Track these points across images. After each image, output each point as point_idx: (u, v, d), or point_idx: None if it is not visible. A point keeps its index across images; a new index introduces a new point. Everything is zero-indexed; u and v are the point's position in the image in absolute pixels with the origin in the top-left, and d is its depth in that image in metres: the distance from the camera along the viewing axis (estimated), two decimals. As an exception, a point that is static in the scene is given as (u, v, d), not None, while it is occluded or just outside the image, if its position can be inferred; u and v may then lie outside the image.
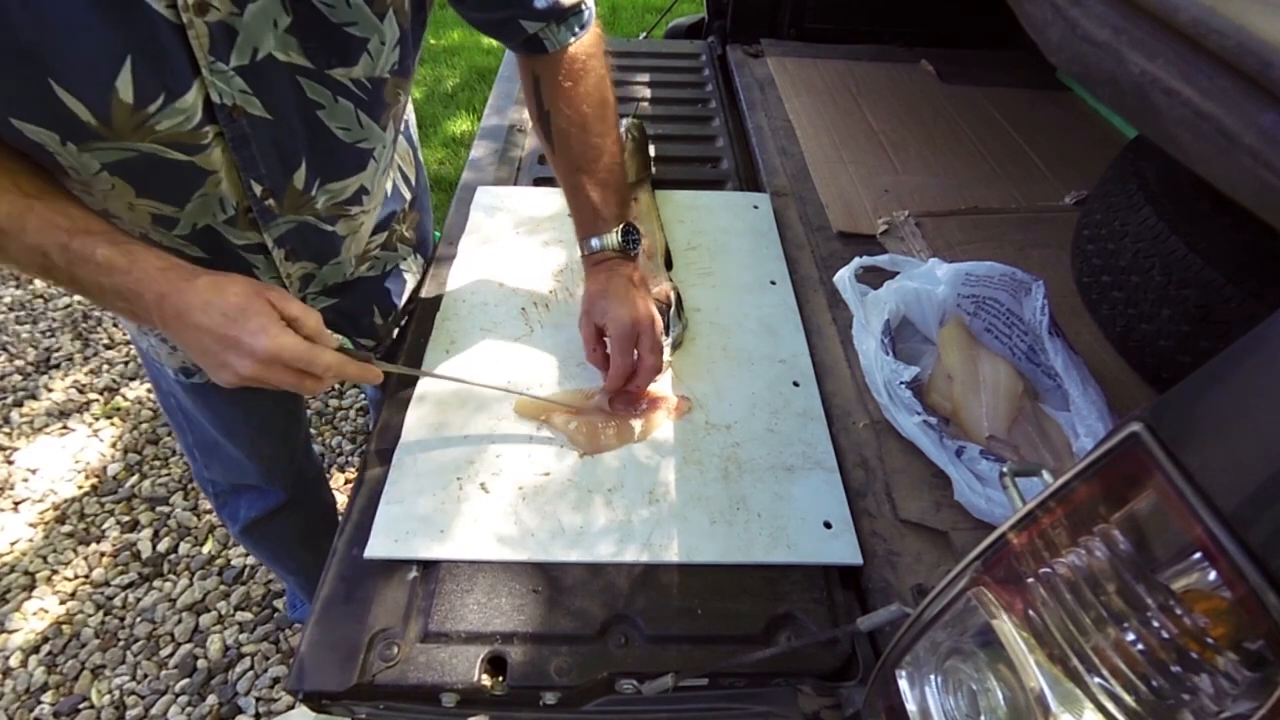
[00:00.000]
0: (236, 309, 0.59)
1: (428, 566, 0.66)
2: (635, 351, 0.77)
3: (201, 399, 0.93)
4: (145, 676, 1.43)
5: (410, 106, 0.98)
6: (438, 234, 1.06)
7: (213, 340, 0.59)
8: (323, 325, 0.64)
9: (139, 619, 1.51)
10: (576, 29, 0.77)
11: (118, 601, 1.54)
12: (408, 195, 0.93)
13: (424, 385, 0.80)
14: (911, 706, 0.46)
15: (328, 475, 1.50)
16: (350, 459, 1.83)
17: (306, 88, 0.64)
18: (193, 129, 0.59)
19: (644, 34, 1.87)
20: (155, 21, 0.52)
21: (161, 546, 1.63)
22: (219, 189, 0.65)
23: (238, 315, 0.59)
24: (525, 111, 1.32)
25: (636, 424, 0.76)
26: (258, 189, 0.67)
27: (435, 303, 0.90)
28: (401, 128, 0.83)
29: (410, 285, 0.97)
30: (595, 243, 0.82)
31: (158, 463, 1.81)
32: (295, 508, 1.14)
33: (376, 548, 0.65)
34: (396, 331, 0.98)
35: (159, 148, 0.59)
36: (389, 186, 0.87)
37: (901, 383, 0.74)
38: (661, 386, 0.81)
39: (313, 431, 1.88)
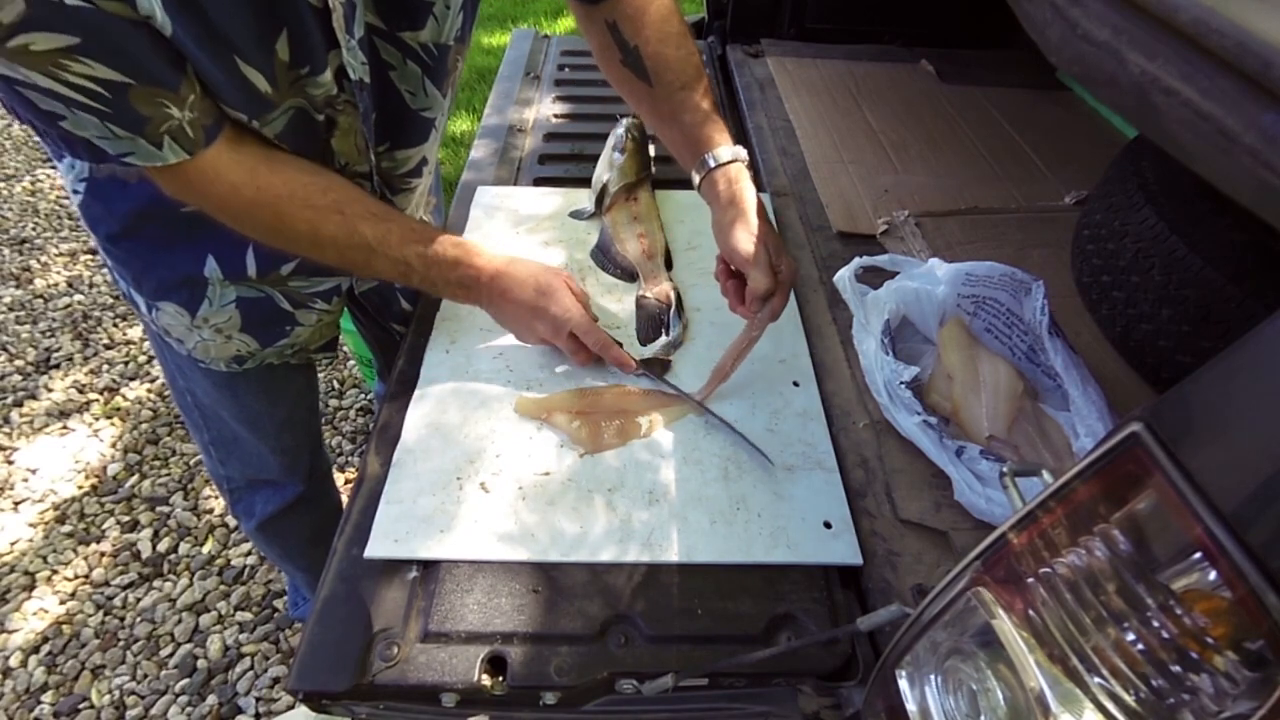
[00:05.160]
0: (546, 286, 0.77)
1: (428, 566, 0.66)
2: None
3: (231, 392, 0.95)
4: (145, 676, 1.43)
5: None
6: None
7: (526, 310, 0.77)
8: (589, 304, 0.83)
9: (139, 619, 1.51)
10: None
11: (118, 601, 1.54)
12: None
13: (425, 384, 0.80)
14: (911, 706, 0.46)
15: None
16: (350, 459, 1.83)
17: (380, 48, 0.69)
18: (331, 97, 0.67)
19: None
20: (300, 4, 0.58)
21: (161, 546, 1.63)
22: (334, 144, 0.73)
23: (547, 291, 0.77)
24: (525, 111, 1.33)
25: (640, 421, 0.76)
26: (373, 156, 0.75)
27: (435, 303, 0.90)
28: (455, 95, 0.84)
29: None
30: (725, 152, 0.78)
31: (158, 463, 1.81)
32: (309, 503, 1.15)
33: (376, 548, 0.65)
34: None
35: (308, 105, 0.66)
36: (438, 149, 0.88)
37: (901, 383, 0.74)
38: (662, 384, 0.81)
39: (313, 431, 1.88)
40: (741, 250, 0.74)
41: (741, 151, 0.79)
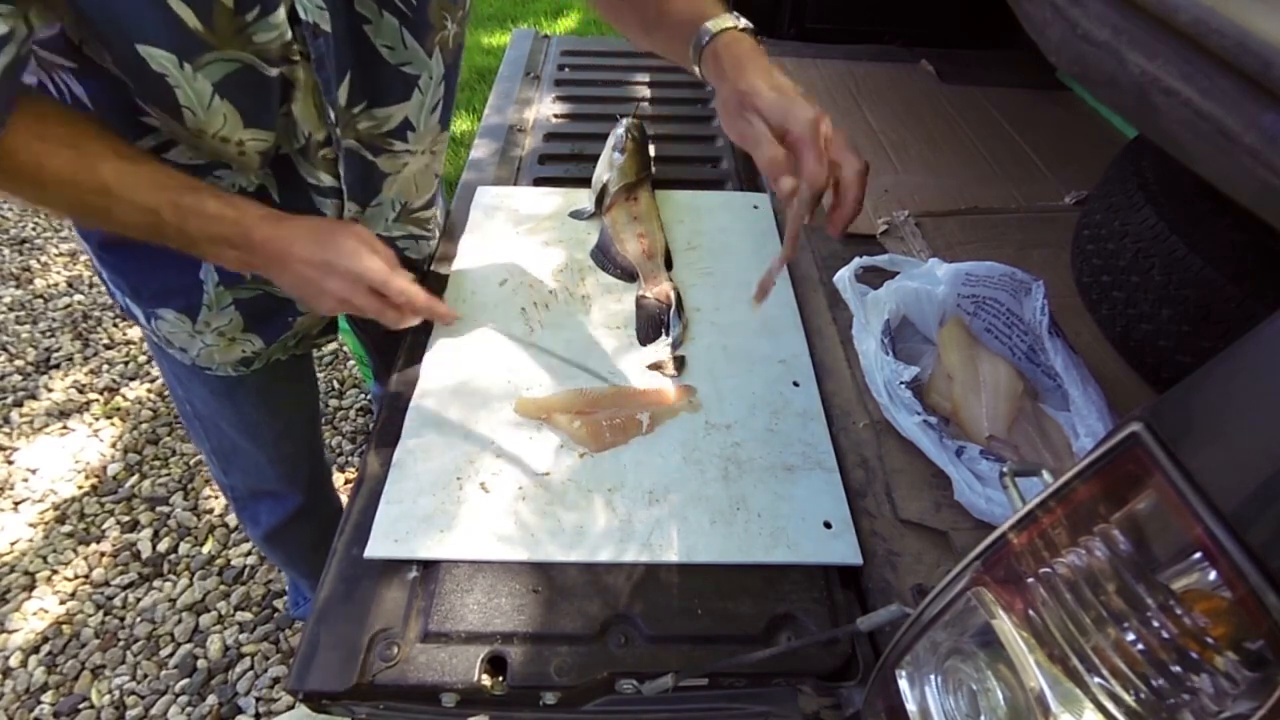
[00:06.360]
0: (329, 237, 0.70)
1: (428, 566, 0.66)
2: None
3: (230, 401, 0.94)
4: (145, 676, 1.43)
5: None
6: None
7: (310, 268, 0.69)
8: (397, 261, 0.74)
9: (139, 619, 1.51)
10: None
11: (118, 601, 1.54)
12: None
13: (425, 384, 0.80)
14: (911, 706, 0.46)
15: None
16: (350, 459, 1.83)
17: (355, 1, 0.64)
18: (283, 45, 0.61)
19: (644, 34, 1.86)
20: None
21: (161, 546, 1.63)
22: (295, 110, 0.67)
23: (330, 242, 0.70)
24: (525, 111, 1.33)
25: (640, 419, 0.76)
26: (332, 114, 0.69)
27: (435, 303, 0.90)
28: (455, 70, 0.79)
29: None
30: (722, 20, 0.69)
31: (158, 463, 1.81)
32: (311, 512, 1.15)
33: (376, 548, 0.65)
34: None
35: (256, 60, 0.60)
36: (435, 122, 0.82)
37: (901, 383, 0.74)
38: (665, 380, 0.81)
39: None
40: (739, 132, 0.65)
41: (742, 19, 0.70)
